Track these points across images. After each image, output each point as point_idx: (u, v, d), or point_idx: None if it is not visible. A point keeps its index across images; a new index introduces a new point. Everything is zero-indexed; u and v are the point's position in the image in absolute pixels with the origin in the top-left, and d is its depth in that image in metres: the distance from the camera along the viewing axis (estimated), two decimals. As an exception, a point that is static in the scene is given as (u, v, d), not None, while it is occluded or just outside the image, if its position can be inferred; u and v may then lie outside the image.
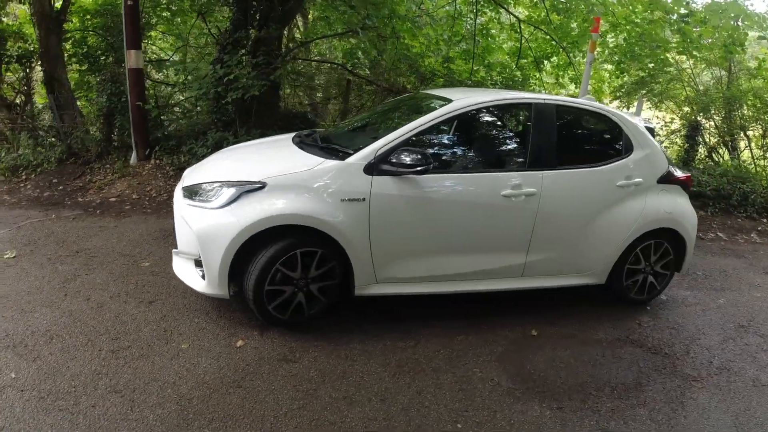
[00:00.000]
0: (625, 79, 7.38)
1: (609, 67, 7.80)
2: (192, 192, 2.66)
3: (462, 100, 2.82)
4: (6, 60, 5.32)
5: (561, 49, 7.07)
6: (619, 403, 2.31)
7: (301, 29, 7.55)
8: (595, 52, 6.25)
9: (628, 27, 6.31)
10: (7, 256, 3.19)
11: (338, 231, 2.50)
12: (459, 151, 2.95)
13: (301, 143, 2.96)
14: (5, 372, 2.15)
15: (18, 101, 5.53)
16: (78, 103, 5.52)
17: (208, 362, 2.35)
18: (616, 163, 3.02)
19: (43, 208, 4.12)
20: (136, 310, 2.73)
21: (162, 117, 5.71)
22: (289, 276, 2.54)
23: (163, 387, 2.15)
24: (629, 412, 2.26)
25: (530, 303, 3.17)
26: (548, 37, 6.99)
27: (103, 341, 2.43)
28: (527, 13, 7.41)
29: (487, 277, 2.89)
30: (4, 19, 5.67)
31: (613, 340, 2.87)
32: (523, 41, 7.04)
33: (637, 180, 3.05)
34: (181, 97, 5.98)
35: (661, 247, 3.23)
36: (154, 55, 6.89)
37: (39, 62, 5.33)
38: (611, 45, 7.17)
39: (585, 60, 6.36)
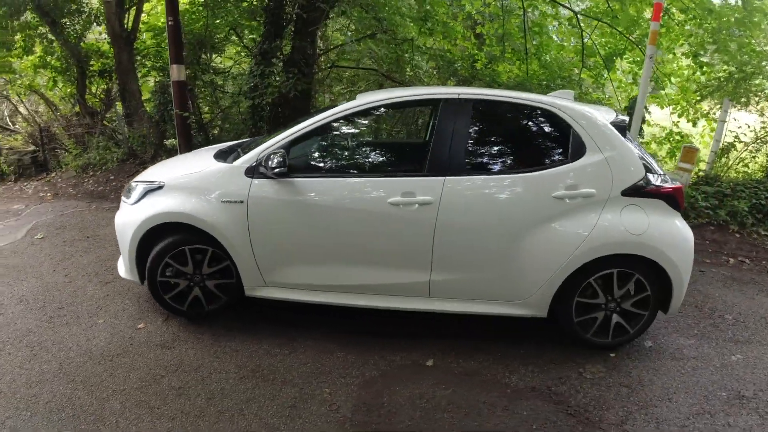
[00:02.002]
0: (712, 74, 5.78)
1: (685, 62, 6.20)
2: (126, 190, 3.17)
3: (360, 98, 2.72)
4: (90, 74, 6.93)
5: (631, 43, 5.91)
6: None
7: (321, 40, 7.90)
8: (669, 44, 5.10)
9: (697, 10, 4.97)
10: (37, 236, 4.27)
11: (219, 231, 2.70)
12: (347, 153, 2.85)
13: (220, 151, 3.21)
14: None
15: (99, 109, 7.13)
16: (148, 109, 6.79)
17: (106, 337, 2.79)
18: (554, 169, 2.52)
19: (91, 200, 5.33)
20: (92, 288, 3.38)
21: (206, 124, 6.67)
22: (182, 270, 2.83)
23: (60, 349, 2.66)
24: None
25: (459, 329, 2.87)
26: (614, 30, 5.92)
27: (51, 308, 3.10)
28: (586, 5, 6.41)
29: (388, 293, 2.72)
30: (88, 39, 7.29)
31: (525, 389, 2.40)
32: (585, 37, 6.12)
33: (585, 191, 2.50)
34: (225, 105, 6.87)
35: (629, 280, 2.58)
36: (220, 65, 8.04)
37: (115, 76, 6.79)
38: (691, 34, 5.69)
39: (665, 54, 5.26)
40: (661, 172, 2.69)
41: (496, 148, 2.71)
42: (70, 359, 2.58)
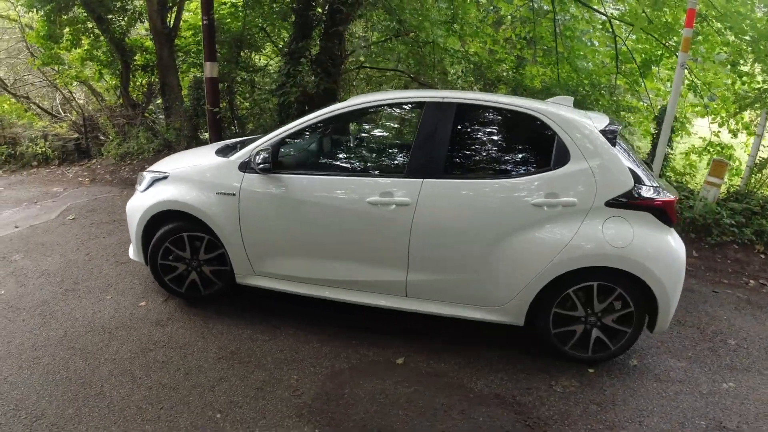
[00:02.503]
0: (753, 85, 5.37)
1: (724, 71, 5.78)
2: (139, 178, 3.45)
3: (350, 100, 2.83)
4: (133, 68, 7.44)
5: (668, 50, 5.63)
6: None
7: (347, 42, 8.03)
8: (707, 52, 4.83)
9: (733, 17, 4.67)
10: (69, 218, 4.70)
11: (213, 221, 2.91)
12: (333, 152, 2.95)
13: (224, 146, 3.42)
14: (15, 283, 3.36)
15: (141, 101, 7.64)
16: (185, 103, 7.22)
17: (110, 311, 3.07)
18: (535, 176, 2.52)
19: (124, 186, 5.77)
20: (107, 267, 3.70)
21: (242, 118, 7.02)
22: (181, 255, 3.06)
23: (67, 319, 2.96)
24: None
25: (438, 330, 2.93)
26: (650, 36, 5.67)
27: (68, 282, 3.44)
28: (620, 10, 6.15)
29: (367, 289, 2.82)
30: (133, 35, 7.81)
31: (488, 395, 2.43)
32: (619, 42, 5.90)
33: (566, 200, 2.48)
34: (260, 101, 7.19)
35: (611, 294, 2.53)
36: (259, 63, 8.40)
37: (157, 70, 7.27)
38: (728, 42, 5.32)
39: (704, 62, 5.02)
40: (655, 184, 2.61)
41: (477, 153, 2.73)
42: (75, 329, 2.87)
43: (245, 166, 2.85)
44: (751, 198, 4.85)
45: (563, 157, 2.52)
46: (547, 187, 2.50)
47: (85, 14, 6.66)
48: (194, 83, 6.67)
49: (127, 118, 7.20)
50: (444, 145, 2.61)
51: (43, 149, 6.87)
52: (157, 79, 7.40)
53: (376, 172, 2.79)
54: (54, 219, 4.68)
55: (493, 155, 2.73)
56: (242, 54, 7.89)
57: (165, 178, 3.10)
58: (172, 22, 7.01)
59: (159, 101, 7.31)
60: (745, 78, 5.41)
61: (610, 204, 2.48)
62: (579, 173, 2.49)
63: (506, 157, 2.71)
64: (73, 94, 8.14)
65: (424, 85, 6.92)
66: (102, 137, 7.14)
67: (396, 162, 2.80)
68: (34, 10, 6.05)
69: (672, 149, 5.41)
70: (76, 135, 7.15)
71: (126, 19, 6.98)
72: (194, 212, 2.93)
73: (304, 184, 2.76)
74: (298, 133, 2.87)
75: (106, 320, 2.98)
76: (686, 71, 5.92)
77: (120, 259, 3.83)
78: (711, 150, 6.30)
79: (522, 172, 2.57)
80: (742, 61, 5.22)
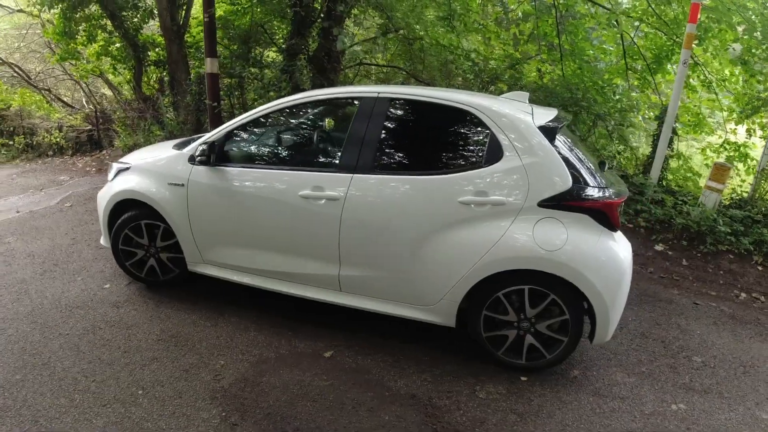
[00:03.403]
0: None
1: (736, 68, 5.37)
2: (109, 169, 3.70)
3: (291, 96, 2.92)
4: (146, 64, 7.83)
5: (678, 45, 5.33)
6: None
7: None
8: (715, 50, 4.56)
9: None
10: (66, 205, 5.08)
11: (165, 210, 3.10)
12: (273, 146, 3.05)
13: (184, 140, 3.58)
14: (2, 262, 3.69)
15: (152, 95, 8.03)
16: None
17: (76, 292, 3.33)
18: (464, 173, 2.52)
19: (123, 175, 6.13)
20: (87, 251, 4.00)
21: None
22: (139, 242, 3.27)
23: (38, 297, 3.24)
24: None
25: (378, 327, 2.98)
26: (660, 32, 5.39)
27: (48, 264, 3.74)
28: (626, 6, 5.87)
29: (305, 282, 2.92)
30: (147, 32, 8.20)
31: (405, 395, 2.47)
32: (627, 38, 5.66)
33: (495, 198, 2.46)
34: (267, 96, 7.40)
35: (543, 299, 2.48)
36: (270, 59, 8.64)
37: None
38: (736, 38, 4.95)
39: (714, 57, 4.77)
40: (601, 184, 2.52)
41: (407, 148, 2.75)
42: (42, 306, 3.14)
43: (193, 159, 3.01)
44: (752, 205, 4.54)
45: (495, 154, 2.50)
46: (476, 185, 2.48)
47: (100, 11, 7.13)
48: (197, 79, 6.98)
49: (138, 112, 7.64)
50: (375, 141, 2.65)
51: (58, 140, 7.44)
52: (167, 75, 7.80)
53: (311, 166, 2.87)
54: (53, 205, 5.07)
55: (425, 151, 2.74)
56: (254, 50, 8.16)
57: (128, 169, 3.32)
58: (182, 20, 7.36)
59: (168, 95, 7.69)
60: (759, 77, 5.03)
61: (543, 204, 2.43)
62: (510, 171, 2.46)
63: (438, 153, 2.72)
64: (89, 88, 8.76)
65: (421, 82, 6.91)
66: (112, 130, 7.61)
67: (330, 157, 2.87)
68: (50, 7, 6.55)
69: (672, 150, 5.14)
70: (89, 127, 7.67)
71: (138, 16, 7.40)
72: (149, 201, 3.13)
73: (243, 176, 2.89)
74: (243, 127, 3.00)
75: (71, 299, 3.23)
76: (701, 67, 5.61)
77: (99, 245, 4.11)
78: (727, 147, 5.93)
79: (452, 168, 2.57)
80: (753, 60, 4.86)
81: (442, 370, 2.66)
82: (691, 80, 5.68)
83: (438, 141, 2.74)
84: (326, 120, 3.14)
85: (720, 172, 4.51)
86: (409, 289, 2.68)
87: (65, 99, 9.00)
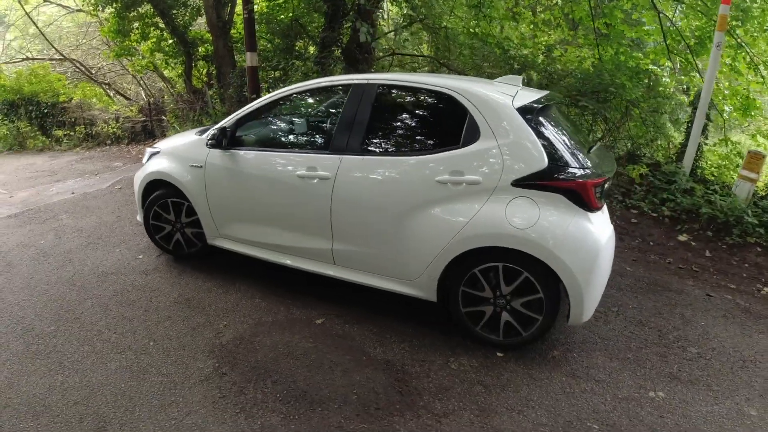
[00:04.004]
0: None
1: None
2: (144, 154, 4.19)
3: (297, 84, 3.19)
4: (196, 59, 8.48)
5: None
6: (262, 396, 2.38)
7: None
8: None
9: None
10: (116, 188, 5.72)
11: (187, 189, 3.50)
12: (275, 131, 3.33)
13: (207, 127, 3.97)
14: (40, 238, 4.30)
15: (201, 88, 8.66)
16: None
17: (113, 261, 3.84)
18: (442, 153, 2.67)
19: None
20: (128, 227, 4.55)
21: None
22: (167, 218, 3.71)
23: (80, 264, 3.78)
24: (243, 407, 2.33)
25: (371, 300, 3.18)
26: (700, 13, 5.08)
27: (93, 237, 4.32)
28: None
29: (304, 255, 3.20)
30: (196, 28, 8.87)
31: (380, 360, 2.67)
32: (664, 20, 5.39)
33: (470, 177, 2.59)
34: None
35: (517, 277, 2.58)
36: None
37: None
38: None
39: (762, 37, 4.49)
40: (582, 165, 2.55)
41: (393, 131, 2.92)
42: (82, 271, 3.66)
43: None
44: (792, 196, 4.24)
45: (473, 135, 2.61)
46: (453, 165, 2.62)
47: (152, 10, 7.85)
48: (239, 72, 7.50)
49: (188, 103, 8.33)
50: (363, 124, 2.85)
51: (114, 130, 8.30)
52: (215, 69, 8.43)
53: (307, 149, 3.13)
54: (104, 188, 5.75)
55: (409, 133, 2.90)
56: (297, 44, 8.58)
57: (158, 153, 3.76)
58: (227, 16, 7.93)
59: (216, 88, 8.31)
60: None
61: (517, 184, 2.51)
62: (486, 151, 2.57)
63: (420, 135, 2.87)
64: (145, 81, 9.64)
65: (452, 71, 6.98)
66: (165, 120, 8.37)
67: (324, 140, 3.10)
68: (104, 7, 7.33)
69: (707, 138, 4.86)
70: (143, 118, 8.48)
71: (187, 13, 8.05)
72: (174, 182, 3.54)
73: (250, 158, 3.21)
74: (251, 114, 3.31)
75: (107, 267, 3.74)
76: (746, 48, 5.23)
77: (138, 222, 4.66)
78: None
79: (432, 149, 2.71)
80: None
81: (422, 342, 2.84)
82: (736, 63, 5.29)
83: (421, 124, 2.89)
84: (323, 106, 3.38)
85: (754, 160, 4.24)
86: (393, 264, 2.87)
87: (124, 92, 10.02)
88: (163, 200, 3.67)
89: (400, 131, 2.92)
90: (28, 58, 10.81)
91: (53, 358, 2.65)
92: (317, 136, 3.29)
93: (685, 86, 5.74)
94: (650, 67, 5.77)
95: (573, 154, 2.61)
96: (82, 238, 4.30)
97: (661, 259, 4.12)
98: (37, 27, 10.17)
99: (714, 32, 5.44)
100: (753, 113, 5.45)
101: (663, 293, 3.58)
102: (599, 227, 2.55)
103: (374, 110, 2.87)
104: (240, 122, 3.33)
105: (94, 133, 8.36)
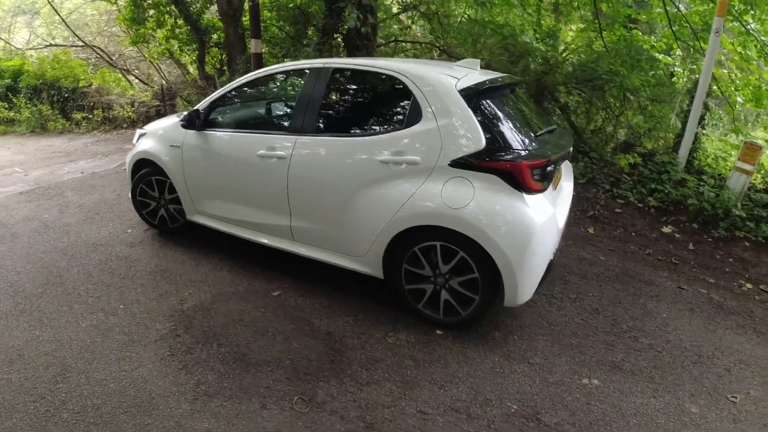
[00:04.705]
0: None
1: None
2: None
3: (261, 69, 3.41)
4: (210, 45, 8.86)
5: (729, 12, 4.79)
6: (202, 355, 2.63)
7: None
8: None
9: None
10: (122, 168, 6.15)
11: (167, 167, 3.80)
12: (243, 113, 3.55)
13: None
14: (45, 213, 4.74)
15: (213, 74, 9.04)
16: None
17: (105, 234, 4.22)
18: (386, 134, 2.82)
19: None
20: (125, 204, 4.92)
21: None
22: (151, 194, 4.04)
23: (76, 236, 4.17)
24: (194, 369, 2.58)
25: (333, 277, 3.39)
26: None
27: (92, 213, 4.72)
28: None
29: (266, 231, 3.44)
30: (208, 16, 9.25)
31: (322, 332, 2.88)
32: (668, 3, 5.23)
33: (410, 158, 2.73)
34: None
35: (454, 257, 2.70)
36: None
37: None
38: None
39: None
40: (526, 147, 2.64)
41: (344, 113, 3.09)
42: (76, 242, 4.05)
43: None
44: (787, 189, 4.08)
45: (416, 117, 2.74)
46: (395, 146, 2.76)
47: (166, -1, 8.32)
48: (245, 59, 7.82)
49: (200, 89, 8.75)
50: (317, 106, 3.04)
51: (130, 114, 8.85)
52: (226, 55, 8.81)
53: (268, 129, 3.35)
54: (111, 168, 6.21)
55: (358, 114, 3.06)
56: (308, 31, 8.82)
57: (144, 134, 4.08)
58: (237, 4, 8.26)
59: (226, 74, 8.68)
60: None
61: (454, 164, 2.62)
62: (426, 132, 2.69)
63: (369, 116, 3.02)
64: (161, 67, 10.17)
65: (453, 57, 7.01)
66: (177, 105, 8.84)
67: (282, 121, 3.31)
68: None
69: (704, 129, 4.70)
70: (157, 102, 8.98)
71: (200, 1, 8.44)
72: (156, 160, 3.85)
73: (219, 138, 3.46)
74: (223, 97, 3.55)
75: (98, 239, 4.12)
76: (753, 35, 5.00)
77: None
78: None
79: (378, 130, 2.87)
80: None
81: (367, 317, 3.02)
82: (747, 51, 5.05)
83: (370, 105, 3.05)
84: (285, 89, 3.58)
85: (750, 152, 4.10)
86: (343, 241, 3.06)
87: (141, 77, 10.63)
88: (148, 178, 3.99)
89: (350, 113, 3.09)
90: (51, 45, 11.66)
91: (35, 315, 3.01)
92: (277, 118, 3.51)
93: (697, 76, 5.55)
94: (660, 56, 5.61)
95: (515, 136, 2.70)
96: (82, 213, 4.72)
97: (640, 250, 4.10)
98: (60, 16, 10.96)
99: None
100: (765, 103, 5.21)
101: (631, 283, 3.59)
102: (536, 209, 2.61)
103: (328, 93, 3.05)
104: (213, 105, 3.58)
105: (111, 116, 8.95)
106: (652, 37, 5.57)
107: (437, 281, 2.83)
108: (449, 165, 2.64)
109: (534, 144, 2.76)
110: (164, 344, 2.74)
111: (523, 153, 2.61)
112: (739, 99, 5.32)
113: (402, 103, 2.82)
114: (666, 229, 4.22)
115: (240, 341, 2.76)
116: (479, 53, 6.65)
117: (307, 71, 3.16)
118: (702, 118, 4.60)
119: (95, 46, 10.54)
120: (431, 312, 2.90)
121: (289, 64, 3.35)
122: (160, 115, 8.78)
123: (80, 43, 10.79)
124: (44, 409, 2.26)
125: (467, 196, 2.59)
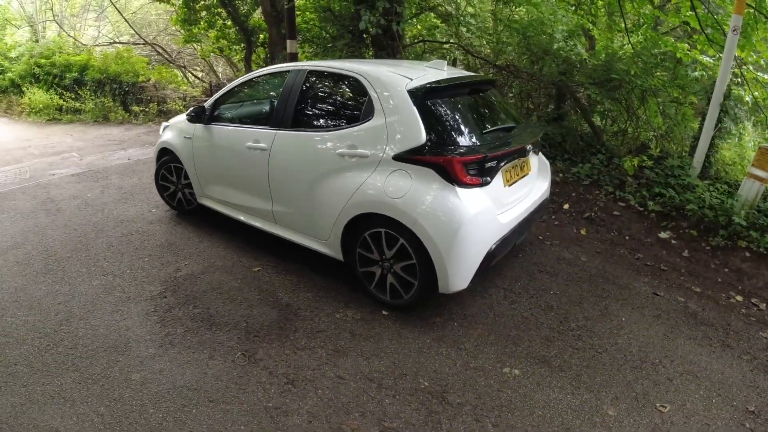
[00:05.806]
0: None
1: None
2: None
3: (257, 70, 3.96)
4: (256, 45, 9.69)
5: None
6: (180, 320, 3.17)
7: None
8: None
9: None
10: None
11: (182, 156, 4.48)
12: (239, 109, 4.08)
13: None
14: (88, 192, 5.66)
15: None
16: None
17: (131, 213, 5.00)
18: (345, 130, 3.21)
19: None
20: (150, 189, 5.75)
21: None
22: (171, 179, 4.77)
23: (109, 214, 4.98)
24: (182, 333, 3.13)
25: (308, 258, 3.85)
26: None
27: (127, 195, 5.56)
28: None
29: (255, 215, 3.98)
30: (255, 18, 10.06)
31: (282, 302, 3.33)
32: (697, 4, 5.06)
33: (361, 151, 3.10)
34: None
35: (396, 243, 3.04)
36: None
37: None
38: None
39: None
40: (469, 143, 2.91)
41: (314, 110, 3.51)
42: (106, 219, 4.85)
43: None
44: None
45: (369, 114, 3.11)
46: (350, 140, 3.15)
47: (216, 1, 9.25)
48: (282, 59, 8.54)
49: (245, 86, 9.67)
50: (293, 104, 3.50)
51: (181, 107, 9.95)
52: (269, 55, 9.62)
53: (256, 124, 3.86)
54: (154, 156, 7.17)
55: (325, 111, 3.48)
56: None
57: (168, 126, 4.82)
58: (280, 6, 9.02)
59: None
60: None
61: (396, 158, 2.95)
62: (375, 128, 3.05)
63: (333, 113, 3.43)
64: (212, 65, 11.26)
65: (476, 57, 7.19)
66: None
67: (267, 117, 3.81)
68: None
69: (720, 132, 4.49)
70: (205, 97, 10.03)
71: (247, 4, 9.31)
72: (173, 149, 4.55)
73: (219, 131, 4.05)
74: (225, 95, 4.14)
75: (127, 216, 4.92)
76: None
77: (168, 185, 5.87)
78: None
79: (339, 126, 3.27)
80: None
81: (326, 294, 3.43)
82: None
83: (334, 103, 3.46)
84: (271, 88, 4.10)
85: (765, 157, 3.92)
86: (311, 225, 3.49)
87: (197, 74, 11.86)
88: (168, 164, 4.71)
89: (319, 110, 3.53)
90: (114, 42, 13.33)
91: (59, 274, 3.77)
92: (263, 114, 4.04)
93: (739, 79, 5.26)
94: (700, 56, 5.41)
95: (458, 133, 2.98)
96: (119, 194, 5.60)
97: (629, 254, 4.10)
98: (123, 15, 12.54)
99: (756, 19, 4.98)
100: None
101: (602, 285, 3.65)
102: (469, 202, 2.84)
103: (302, 92, 3.50)
104: (217, 102, 4.19)
105: (165, 109, 10.15)
106: (685, 44, 5.37)
107: (384, 265, 3.16)
108: (393, 158, 2.97)
109: (477, 141, 3.01)
110: (152, 303, 3.35)
111: (461, 149, 2.89)
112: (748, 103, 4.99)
113: (360, 101, 3.21)
114: (663, 235, 4.16)
115: (212, 305, 3.30)
116: (504, 51, 6.79)
117: (288, 73, 3.65)
118: (719, 121, 4.43)
119: (155, 44, 11.97)
120: (380, 294, 3.25)
121: (276, 67, 3.88)
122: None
123: (141, 41, 12.29)
124: (46, 344, 2.93)
125: (405, 187, 2.91)
